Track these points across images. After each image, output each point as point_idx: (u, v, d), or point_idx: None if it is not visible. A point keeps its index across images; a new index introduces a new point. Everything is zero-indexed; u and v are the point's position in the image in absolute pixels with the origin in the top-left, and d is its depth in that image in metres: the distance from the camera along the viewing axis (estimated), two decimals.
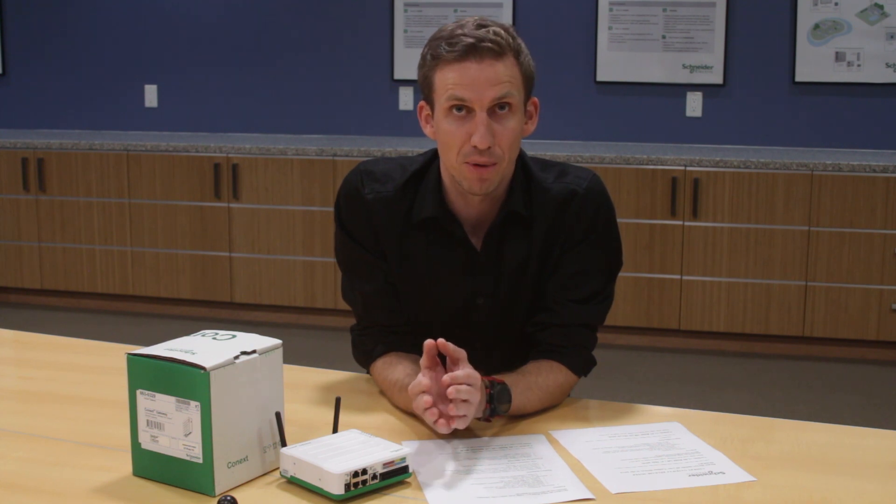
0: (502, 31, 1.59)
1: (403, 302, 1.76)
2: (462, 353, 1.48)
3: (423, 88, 1.65)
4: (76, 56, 5.82)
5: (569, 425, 1.58)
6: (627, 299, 4.63)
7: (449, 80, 1.58)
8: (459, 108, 1.59)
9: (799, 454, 1.47)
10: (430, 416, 1.45)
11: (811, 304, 4.50)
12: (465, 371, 1.45)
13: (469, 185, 1.64)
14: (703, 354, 4.63)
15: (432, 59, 1.61)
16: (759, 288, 4.53)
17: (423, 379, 1.47)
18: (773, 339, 4.62)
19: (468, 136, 1.59)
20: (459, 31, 1.58)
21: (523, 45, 1.63)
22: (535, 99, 1.68)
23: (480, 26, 1.58)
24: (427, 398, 1.45)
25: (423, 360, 1.49)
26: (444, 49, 1.58)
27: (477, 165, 1.60)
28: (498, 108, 1.59)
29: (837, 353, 4.58)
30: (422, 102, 1.69)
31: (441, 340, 1.46)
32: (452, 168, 1.64)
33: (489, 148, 1.58)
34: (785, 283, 4.50)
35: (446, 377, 1.43)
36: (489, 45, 1.56)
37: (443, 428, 1.45)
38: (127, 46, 5.74)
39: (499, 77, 1.57)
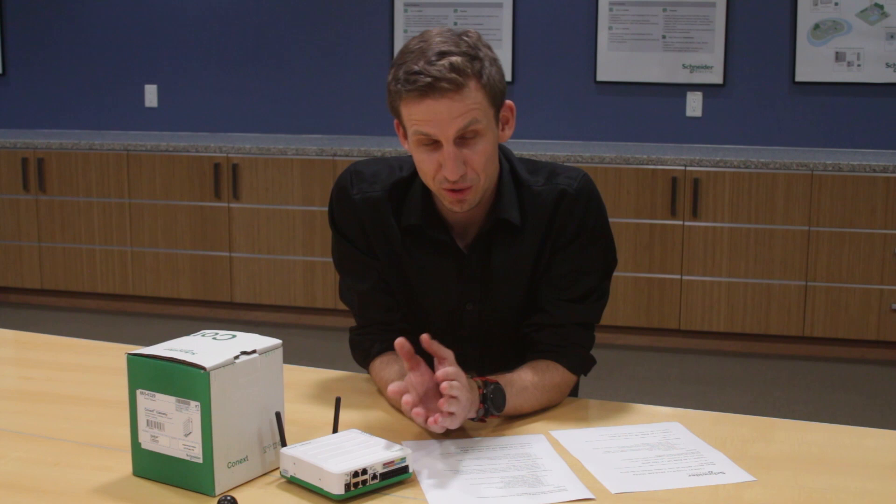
0: (459, 60, 1.52)
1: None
2: (448, 353, 1.46)
3: (392, 113, 1.62)
4: (76, 56, 5.82)
5: (569, 425, 1.58)
6: (627, 299, 4.63)
7: (413, 115, 1.55)
8: (427, 141, 1.57)
9: (799, 454, 1.47)
10: (417, 418, 1.43)
11: (811, 304, 4.50)
12: (454, 368, 1.44)
13: (450, 206, 1.64)
14: (703, 354, 4.63)
15: (393, 92, 1.57)
16: (759, 288, 4.53)
17: (394, 387, 1.45)
18: (773, 339, 4.62)
19: (439, 166, 1.58)
20: (416, 67, 1.52)
21: (487, 58, 1.57)
22: (510, 102, 1.65)
23: (441, 54, 1.52)
24: (407, 398, 1.42)
25: (405, 365, 1.48)
26: (404, 86, 1.53)
27: (453, 191, 1.60)
28: (466, 135, 1.56)
29: (837, 352, 4.58)
30: (396, 121, 1.65)
31: (426, 336, 1.44)
32: (431, 189, 1.64)
33: (462, 175, 1.57)
34: (785, 283, 4.50)
35: (440, 373, 1.42)
36: (446, 84, 1.51)
37: (434, 426, 1.43)
38: (127, 46, 5.74)
39: (461, 109, 1.53)
